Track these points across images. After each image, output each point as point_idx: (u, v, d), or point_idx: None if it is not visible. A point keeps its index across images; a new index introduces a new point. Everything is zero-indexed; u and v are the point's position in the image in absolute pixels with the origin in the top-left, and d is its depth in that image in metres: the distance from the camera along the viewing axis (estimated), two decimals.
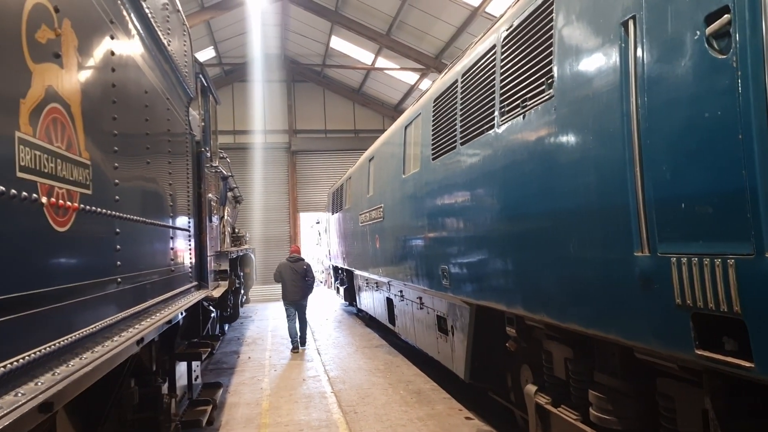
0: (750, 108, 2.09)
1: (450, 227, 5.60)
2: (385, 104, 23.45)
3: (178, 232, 4.54)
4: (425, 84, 19.41)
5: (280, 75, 22.53)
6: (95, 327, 2.42)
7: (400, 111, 20.98)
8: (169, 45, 4.33)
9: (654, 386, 3.20)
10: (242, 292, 12.35)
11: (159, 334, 3.68)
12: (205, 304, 5.98)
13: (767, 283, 2.06)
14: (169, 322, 3.66)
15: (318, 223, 23.23)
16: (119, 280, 2.83)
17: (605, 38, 2.98)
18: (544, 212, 3.67)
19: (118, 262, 2.82)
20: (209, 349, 5.66)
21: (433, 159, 6.01)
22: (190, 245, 5.13)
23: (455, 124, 5.35)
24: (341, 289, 16.29)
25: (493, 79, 4.50)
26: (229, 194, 10.96)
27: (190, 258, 5.17)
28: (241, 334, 12.93)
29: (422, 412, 6.46)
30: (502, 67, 4.35)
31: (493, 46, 4.57)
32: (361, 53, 19.60)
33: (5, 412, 1.49)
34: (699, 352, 2.38)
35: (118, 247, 2.82)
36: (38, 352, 1.84)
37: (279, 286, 10.95)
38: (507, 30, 4.32)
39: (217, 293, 6.09)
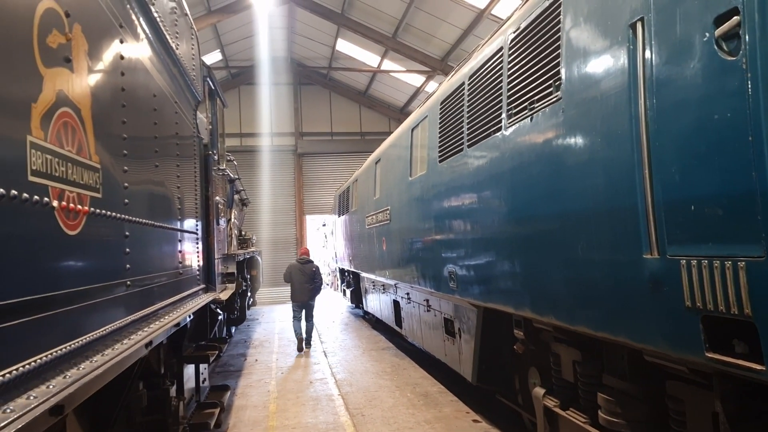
0: (760, 110, 2.08)
1: (457, 229, 5.60)
2: (391, 107, 23.47)
3: (186, 235, 4.56)
4: (431, 86, 19.42)
5: (286, 78, 22.60)
6: (105, 330, 2.43)
7: (406, 113, 20.99)
8: (177, 48, 4.35)
9: (663, 389, 3.18)
10: (249, 294, 12.36)
11: (167, 337, 3.69)
12: (213, 306, 6.00)
13: None
14: (177, 325, 3.66)
15: (324, 225, 23.26)
16: (128, 283, 2.84)
17: (613, 40, 2.98)
18: (552, 214, 3.66)
19: (128, 265, 2.83)
20: (217, 352, 5.67)
21: (440, 161, 6.01)
22: (197, 248, 5.15)
23: (462, 127, 5.35)
24: (348, 292, 16.29)
25: (501, 82, 4.50)
26: (236, 197, 10.99)
27: (198, 261, 5.18)
28: (247, 336, 12.95)
29: (429, 415, 6.45)
30: (509, 69, 4.35)
31: (500, 49, 4.57)
32: (367, 56, 19.62)
33: (18, 415, 1.50)
34: (709, 355, 2.37)
35: (128, 250, 2.83)
36: (50, 355, 1.85)
37: (285, 289, 11.19)
38: (514, 32, 4.32)
39: (224, 296, 6.11)
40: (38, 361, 1.77)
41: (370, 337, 12.24)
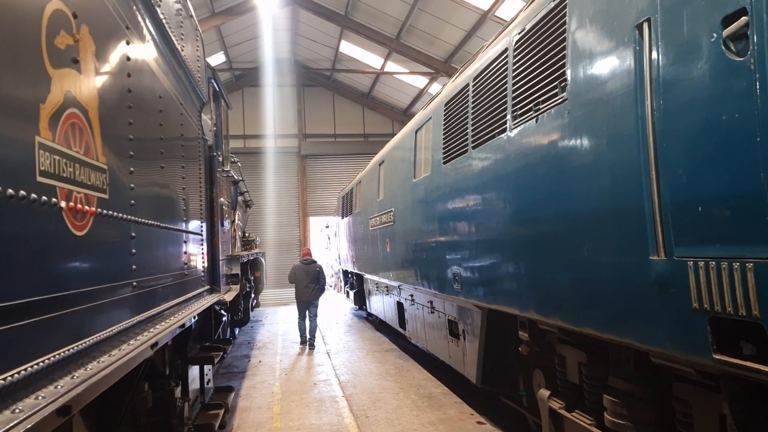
0: None
1: (461, 231, 5.59)
2: (395, 108, 23.48)
3: (191, 236, 4.56)
4: (435, 88, 19.42)
5: (290, 80, 22.63)
6: (112, 330, 2.44)
7: (410, 115, 21.00)
8: (182, 50, 4.36)
9: (670, 391, 3.17)
10: (253, 296, 12.38)
11: (172, 338, 3.69)
12: (217, 308, 6.01)
13: None
14: (183, 326, 3.67)
15: (327, 227, 23.27)
16: (135, 283, 2.84)
17: (619, 41, 2.97)
18: (558, 215, 3.65)
19: (134, 266, 2.84)
20: (221, 353, 5.67)
21: (444, 163, 6.00)
22: (202, 249, 5.16)
23: (467, 128, 5.35)
24: (351, 293, 16.28)
25: (505, 83, 4.50)
26: (240, 198, 11.01)
27: (203, 262, 5.19)
28: (251, 338, 12.96)
29: (434, 417, 6.44)
30: (514, 70, 4.35)
31: (505, 50, 4.57)
32: (370, 57, 19.64)
33: (27, 415, 1.51)
34: (717, 357, 2.36)
35: (134, 251, 2.83)
36: (58, 356, 1.85)
37: (289, 290, 11.32)
38: (519, 33, 4.32)
39: (228, 297, 6.11)
40: (46, 361, 1.77)
41: (373, 338, 12.23)
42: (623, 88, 2.92)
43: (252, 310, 13.05)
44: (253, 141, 22.23)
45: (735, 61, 2.22)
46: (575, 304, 3.52)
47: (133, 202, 2.81)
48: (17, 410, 1.52)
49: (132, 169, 2.83)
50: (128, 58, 2.88)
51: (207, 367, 6.05)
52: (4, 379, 1.51)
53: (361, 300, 15.03)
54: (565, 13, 3.58)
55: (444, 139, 6.07)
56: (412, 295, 8.66)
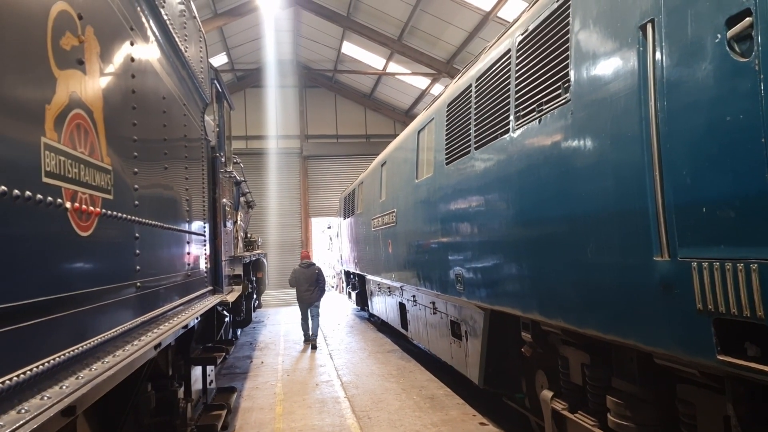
0: None
1: (464, 232, 5.59)
2: (397, 109, 23.48)
3: (194, 236, 4.57)
4: (437, 89, 19.42)
5: (292, 80, 22.65)
6: (116, 331, 2.44)
7: (412, 116, 21.02)
8: (186, 51, 4.37)
9: (674, 392, 3.16)
10: (255, 296, 12.39)
11: (175, 339, 3.69)
12: (220, 308, 6.01)
13: None
14: (186, 326, 3.67)
15: (329, 227, 23.29)
16: (138, 284, 2.85)
17: (623, 42, 2.97)
18: (561, 216, 3.65)
19: (138, 267, 2.84)
20: (224, 354, 5.67)
21: (447, 164, 6.00)
22: (205, 250, 5.16)
23: (469, 129, 5.35)
24: (353, 294, 16.29)
25: (508, 84, 4.50)
26: (242, 199, 11.02)
27: (206, 262, 5.19)
28: (253, 338, 12.96)
29: (436, 418, 6.44)
30: (517, 71, 4.35)
31: (508, 51, 4.57)
32: (372, 58, 19.65)
33: (32, 415, 1.51)
34: (721, 358, 2.36)
35: (138, 251, 2.84)
36: (63, 356, 1.85)
37: (290, 291, 11.47)
38: (522, 34, 4.32)
39: (231, 298, 6.12)
40: (51, 361, 1.77)
41: (375, 339, 12.23)
42: (627, 88, 2.92)
43: (254, 311, 13.06)
44: (255, 142, 22.26)
45: (739, 62, 2.22)
46: (578, 305, 3.52)
47: (137, 202, 2.82)
48: (23, 410, 1.53)
49: (136, 169, 2.84)
50: (132, 59, 2.89)
51: (210, 368, 6.05)
52: (11, 379, 1.52)
53: (363, 301, 15.04)
54: (569, 14, 3.58)
55: (446, 139, 6.07)
56: (414, 296, 8.65)
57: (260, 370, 9.48)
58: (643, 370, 3.38)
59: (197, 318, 4.12)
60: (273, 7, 16.07)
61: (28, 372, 1.62)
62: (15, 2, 1.66)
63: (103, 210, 2.28)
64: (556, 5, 3.78)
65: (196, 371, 5.42)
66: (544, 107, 3.85)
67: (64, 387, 1.78)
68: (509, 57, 4.54)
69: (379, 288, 11.87)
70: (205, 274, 5.16)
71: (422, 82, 20.19)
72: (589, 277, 3.36)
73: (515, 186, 4.33)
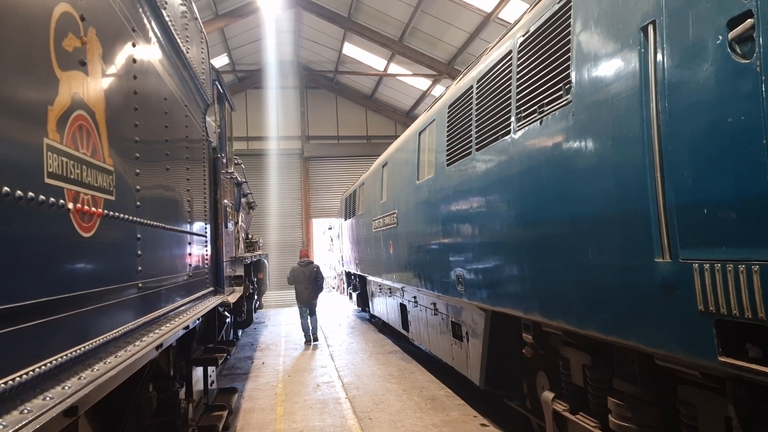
0: None
1: (465, 233, 5.59)
2: (398, 110, 23.50)
3: (196, 237, 4.57)
4: (438, 90, 19.43)
5: (293, 81, 22.68)
6: (118, 332, 2.44)
7: (413, 117, 21.02)
8: (187, 52, 4.38)
9: (675, 393, 3.16)
10: (256, 297, 12.39)
11: (176, 340, 3.69)
12: (221, 309, 6.01)
13: None
14: (187, 327, 3.67)
15: (330, 229, 23.29)
16: (140, 285, 2.85)
17: (624, 43, 2.97)
18: (562, 218, 3.65)
19: (139, 268, 2.84)
20: (225, 355, 5.67)
21: (448, 165, 6.01)
22: (206, 251, 5.16)
23: (470, 130, 5.35)
24: (354, 295, 16.29)
25: (509, 85, 4.50)
26: (243, 200, 11.03)
27: (207, 263, 5.20)
28: (254, 339, 12.97)
29: (437, 419, 6.44)
30: (518, 72, 4.35)
31: (509, 52, 4.57)
32: (373, 59, 19.66)
33: (35, 416, 1.51)
34: (722, 359, 2.36)
35: (139, 252, 2.84)
36: (65, 356, 1.86)
37: (291, 292, 11.53)
38: (523, 36, 4.32)
39: (232, 299, 6.12)
40: (54, 362, 1.77)
41: (376, 340, 12.23)
42: (628, 90, 2.92)
43: (255, 312, 13.07)
44: (256, 143, 22.28)
45: (741, 64, 2.22)
46: (580, 306, 3.52)
47: (138, 203, 2.82)
48: (25, 411, 1.53)
49: (138, 170, 2.84)
50: (134, 60, 2.89)
51: (211, 369, 6.06)
52: (13, 379, 1.52)
53: (363, 302, 15.04)
54: (570, 15, 3.59)
55: (447, 141, 6.07)
56: (415, 297, 8.66)
57: (261, 371, 9.48)
58: (644, 372, 3.38)
59: (198, 319, 4.12)
60: (274, 9, 16.10)
61: (31, 372, 1.62)
62: (18, 3, 1.66)
63: (105, 211, 2.28)
64: (557, 6, 3.78)
65: (198, 372, 5.42)
66: (546, 108, 3.85)
67: (66, 387, 1.78)
68: (510, 58, 4.54)
69: (380, 289, 11.88)
70: (207, 275, 5.17)
71: (423, 83, 20.20)
72: (590, 278, 3.36)
73: (516, 187, 4.34)
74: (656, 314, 2.76)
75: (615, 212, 3.06)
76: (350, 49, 19.52)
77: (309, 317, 11.94)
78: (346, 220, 16.33)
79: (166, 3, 3.68)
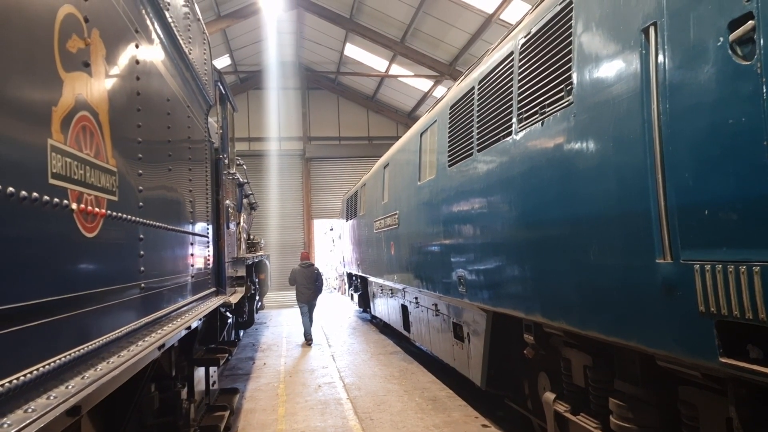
0: None
1: (466, 234, 5.60)
2: (399, 111, 23.52)
3: (198, 238, 4.58)
4: (439, 91, 19.44)
5: (294, 82, 22.73)
6: (120, 332, 2.45)
7: (414, 118, 21.04)
8: (190, 53, 4.39)
9: (676, 394, 3.17)
10: (257, 298, 12.41)
11: (178, 340, 3.70)
12: (222, 310, 6.02)
13: None
14: (189, 327, 3.68)
15: (332, 229, 23.31)
16: (142, 285, 2.86)
17: (626, 45, 2.98)
18: (563, 219, 3.66)
19: (142, 268, 2.85)
20: (226, 355, 5.69)
21: (449, 166, 6.01)
22: (208, 251, 5.18)
23: (472, 131, 5.36)
24: (355, 296, 16.30)
25: (511, 86, 4.51)
26: (245, 201, 11.05)
27: (209, 264, 5.21)
28: (256, 340, 12.97)
29: (438, 420, 6.44)
30: (519, 74, 4.36)
31: (511, 53, 4.58)
32: (375, 60, 19.69)
33: (39, 415, 1.52)
34: (723, 360, 2.36)
35: (142, 252, 2.85)
36: (68, 356, 1.87)
37: (292, 293, 11.76)
38: (525, 37, 4.33)
39: (234, 299, 6.13)
40: (57, 362, 1.78)
41: (377, 341, 12.23)
42: (629, 91, 2.93)
43: (256, 313, 13.09)
44: (257, 144, 22.32)
45: (741, 65, 2.23)
46: (581, 307, 3.52)
47: (141, 204, 2.83)
48: (29, 410, 1.54)
49: (141, 171, 2.85)
50: (137, 62, 2.91)
51: (212, 369, 6.07)
52: (17, 378, 1.53)
53: (365, 302, 15.05)
54: (571, 17, 3.59)
55: (449, 142, 6.08)
56: (416, 298, 8.66)
57: (263, 372, 9.49)
58: (645, 372, 3.38)
59: (200, 319, 4.13)
60: (276, 10, 16.13)
61: (35, 372, 1.63)
62: (23, 5, 1.68)
63: (108, 211, 2.29)
64: (558, 8, 3.79)
65: (199, 372, 5.43)
66: (547, 110, 3.86)
67: (69, 387, 1.79)
68: (512, 59, 4.55)
69: (382, 290, 11.88)
70: (208, 276, 5.18)
71: (425, 84, 20.22)
72: (591, 279, 3.36)
73: (518, 188, 4.34)
74: (657, 315, 2.76)
75: (616, 213, 3.07)
76: (352, 50, 19.55)
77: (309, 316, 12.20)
78: (347, 221, 16.34)
79: (168, 4, 3.70)
